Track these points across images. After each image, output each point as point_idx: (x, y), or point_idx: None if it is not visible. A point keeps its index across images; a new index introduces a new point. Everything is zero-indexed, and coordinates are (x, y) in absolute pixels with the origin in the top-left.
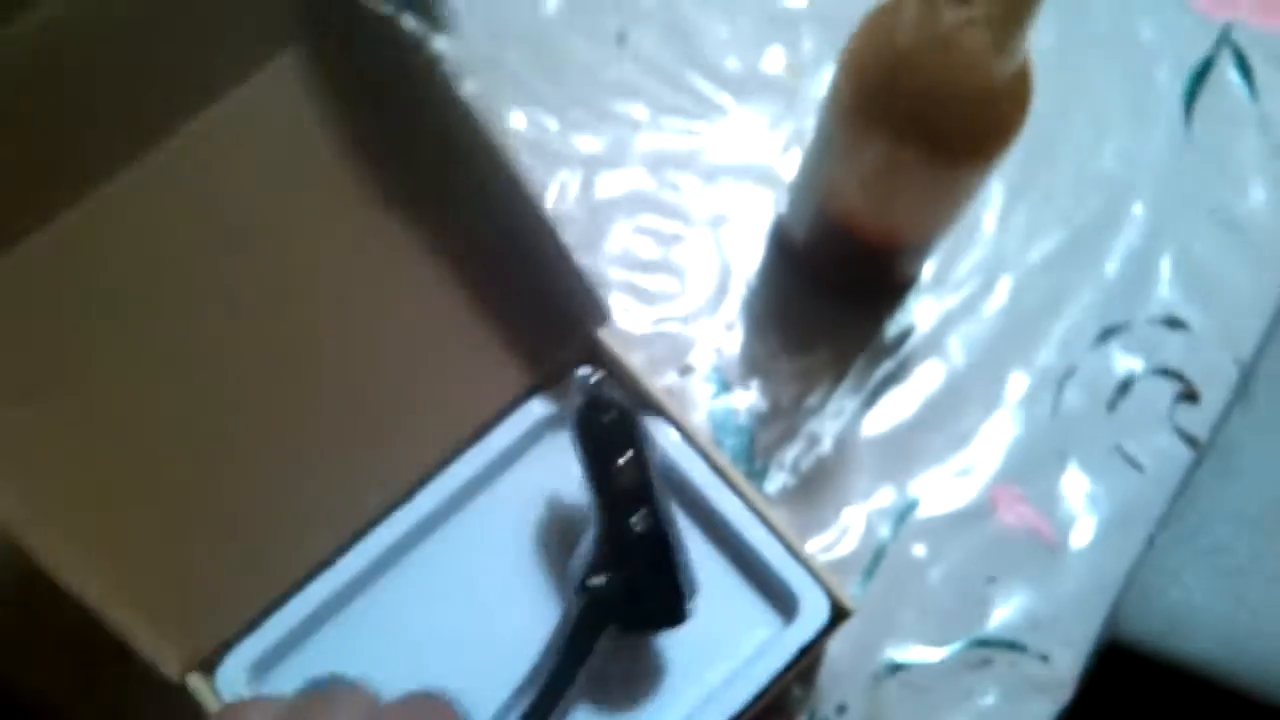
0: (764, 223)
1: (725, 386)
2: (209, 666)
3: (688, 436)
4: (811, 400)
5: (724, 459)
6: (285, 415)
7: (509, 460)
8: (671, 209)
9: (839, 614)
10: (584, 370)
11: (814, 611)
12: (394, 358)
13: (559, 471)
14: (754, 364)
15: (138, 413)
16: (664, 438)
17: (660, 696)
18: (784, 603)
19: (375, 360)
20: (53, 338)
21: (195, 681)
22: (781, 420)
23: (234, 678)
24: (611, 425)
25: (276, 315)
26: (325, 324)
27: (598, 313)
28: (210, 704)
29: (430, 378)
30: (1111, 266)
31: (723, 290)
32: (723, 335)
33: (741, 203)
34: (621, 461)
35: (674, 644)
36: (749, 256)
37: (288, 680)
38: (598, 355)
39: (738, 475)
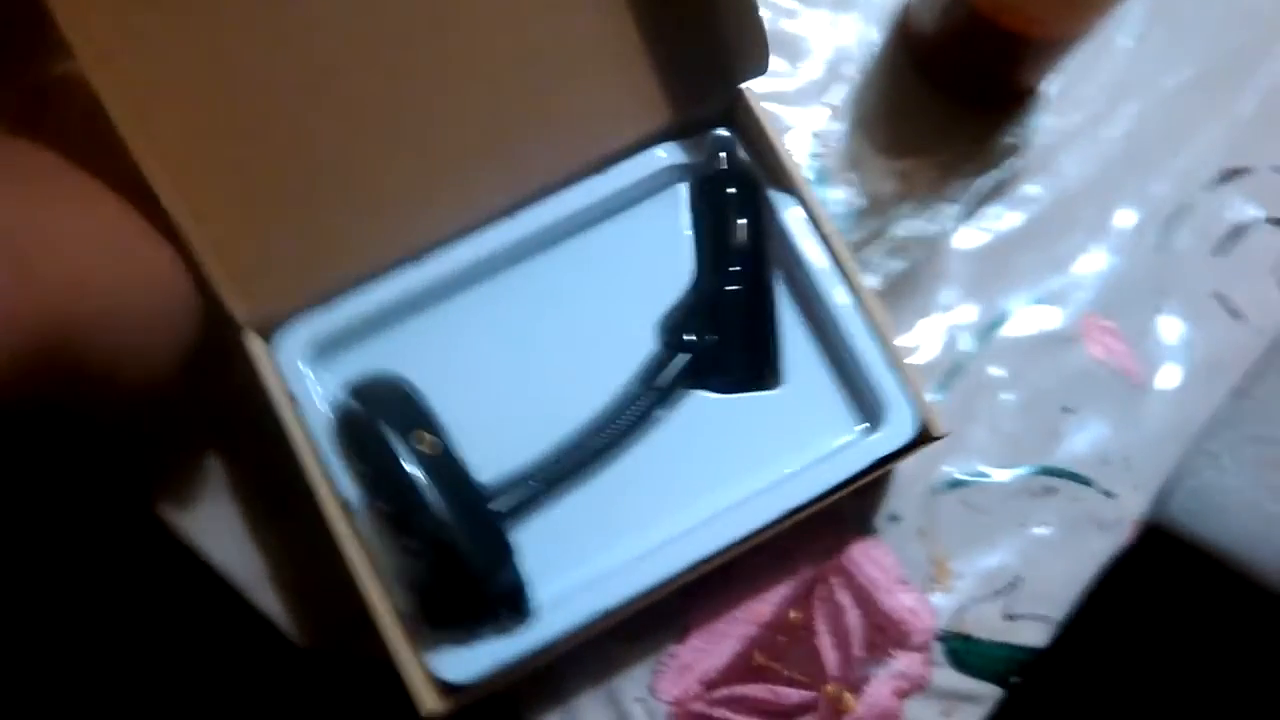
0: (890, 10)
1: (821, 176)
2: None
3: (814, 219)
4: (909, 203)
5: (846, 251)
6: (413, 97)
7: (625, 201)
8: None
9: (924, 435)
10: (722, 130)
11: (899, 426)
12: (537, 62)
13: (672, 225)
14: (854, 158)
15: (265, 61)
16: (788, 215)
17: (728, 473)
18: (871, 411)
19: (518, 61)
20: None
21: (253, 341)
22: (875, 219)
23: (293, 347)
24: (735, 189)
25: None
26: (472, 11)
27: (758, 58)
28: (263, 365)
29: (568, 92)
30: (1245, 107)
31: (833, 76)
32: (825, 123)
33: None
34: (736, 227)
35: (751, 426)
36: (866, 45)
37: (348, 367)
38: (741, 117)
39: (856, 271)
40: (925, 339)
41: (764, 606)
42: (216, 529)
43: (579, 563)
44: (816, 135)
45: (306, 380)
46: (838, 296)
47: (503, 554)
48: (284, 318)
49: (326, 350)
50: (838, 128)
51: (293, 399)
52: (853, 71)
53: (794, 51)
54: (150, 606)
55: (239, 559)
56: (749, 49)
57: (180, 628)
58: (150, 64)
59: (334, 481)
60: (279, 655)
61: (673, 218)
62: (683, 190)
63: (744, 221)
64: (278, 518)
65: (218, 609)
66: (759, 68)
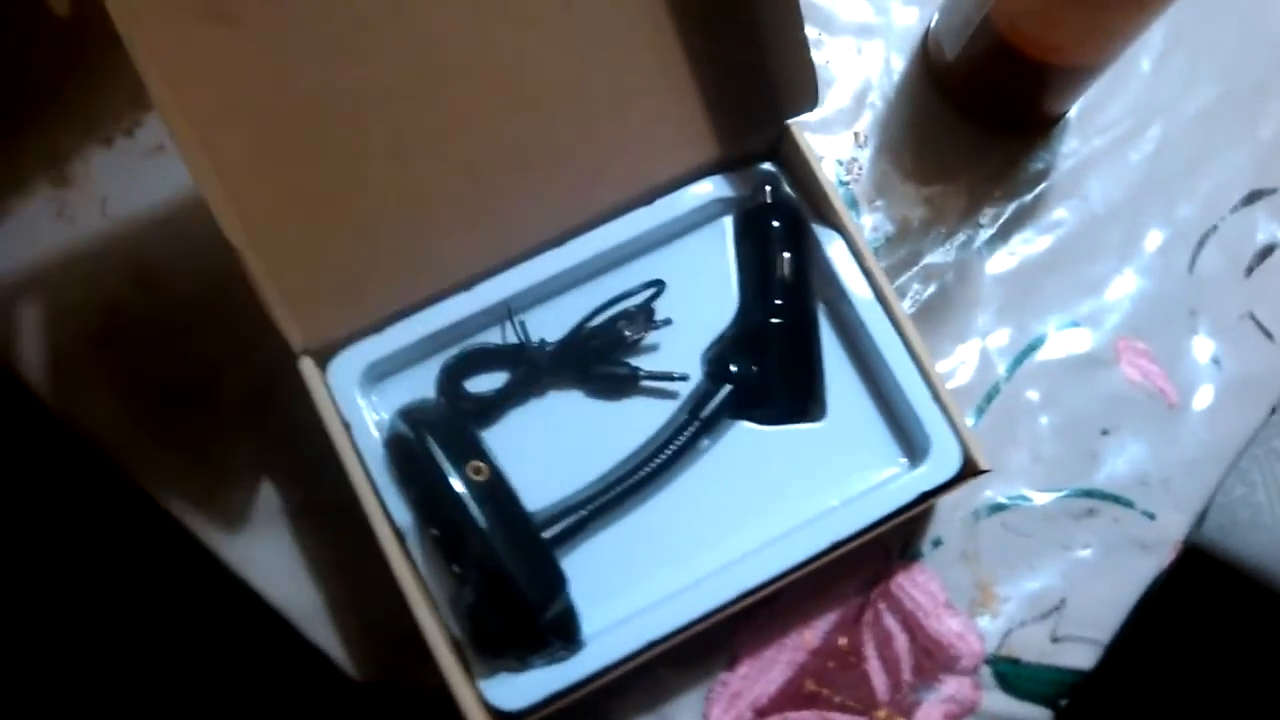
0: (912, 38)
1: (852, 204)
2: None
3: (858, 254)
4: (939, 228)
5: (888, 285)
6: (465, 127)
7: (671, 233)
8: (815, 14)
9: (969, 469)
10: (767, 165)
11: (945, 461)
12: (590, 94)
13: (717, 257)
14: (882, 185)
15: (322, 87)
16: (832, 249)
17: (773, 504)
18: (914, 445)
19: (571, 93)
20: None
21: (307, 368)
22: (906, 245)
23: (348, 374)
24: (779, 223)
25: (483, 25)
26: (527, 43)
27: (808, 95)
28: (318, 392)
29: (619, 124)
30: (1267, 129)
31: (860, 105)
32: (853, 150)
33: (891, 15)
34: (780, 260)
35: (796, 458)
36: (891, 72)
37: (399, 393)
38: (787, 151)
39: (899, 305)
40: (960, 364)
41: (812, 633)
42: (268, 562)
43: (627, 591)
44: (842, 163)
45: (361, 407)
46: (881, 330)
47: (557, 585)
48: (336, 344)
49: (379, 376)
50: (864, 155)
51: (347, 426)
52: (878, 99)
53: (820, 80)
54: (199, 640)
55: (293, 592)
56: (799, 85)
57: (231, 662)
58: (213, 86)
59: (388, 508)
60: (334, 689)
61: (718, 250)
62: (728, 223)
63: (788, 255)
64: (331, 548)
65: (266, 643)
66: (808, 104)
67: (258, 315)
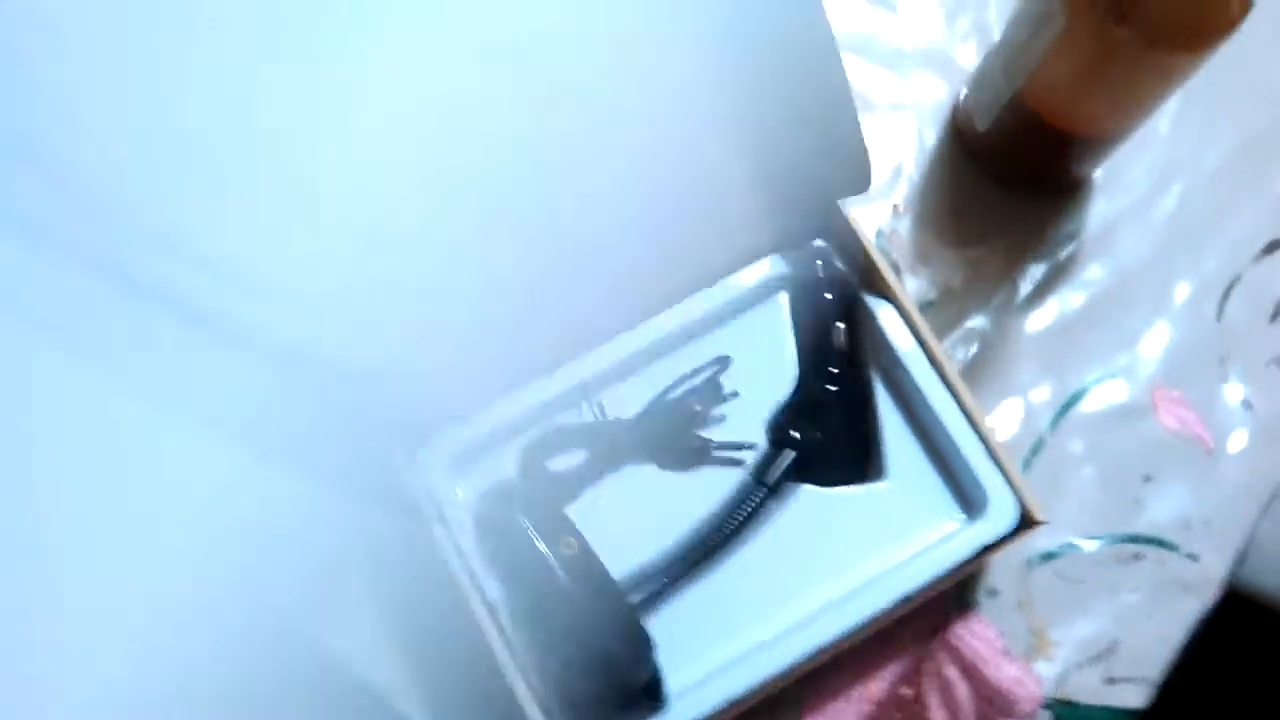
0: (940, 110)
1: (892, 271)
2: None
3: (909, 321)
4: (978, 290)
5: (939, 348)
6: (551, 234)
7: (733, 310)
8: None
9: (1026, 522)
10: (819, 242)
11: (1002, 514)
12: (655, 201)
13: (776, 331)
14: (922, 251)
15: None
16: (883, 317)
17: (838, 562)
18: (972, 500)
19: (637, 199)
20: None
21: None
22: (947, 308)
23: (438, 462)
24: (832, 296)
25: (558, 135)
26: (598, 151)
27: (861, 178)
28: (408, 478)
29: (686, 225)
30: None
31: (895, 176)
32: (891, 221)
33: (918, 90)
34: (834, 331)
35: (858, 517)
36: (923, 144)
37: (483, 475)
38: (836, 226)
39: (950, 365)
40: (1004, 419)
41: (876, 685)
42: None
43: (703, 653)
44: (882, 233)
45: (449, 492)
46: (934, 391)
47: (646, 649)
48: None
49: (463, 461)
50: (902, 225)
51: (439, 511)
52: (913, 172)
53: None
54: None
55: (375, 667)
56: (851, 169)
57: None
58: None
59: (481, 587)
60: None
61: (777, 324)
62: (784, 298)
63: (842, 325)
64: (414, 622)
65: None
66: (860, 187)
67: None
